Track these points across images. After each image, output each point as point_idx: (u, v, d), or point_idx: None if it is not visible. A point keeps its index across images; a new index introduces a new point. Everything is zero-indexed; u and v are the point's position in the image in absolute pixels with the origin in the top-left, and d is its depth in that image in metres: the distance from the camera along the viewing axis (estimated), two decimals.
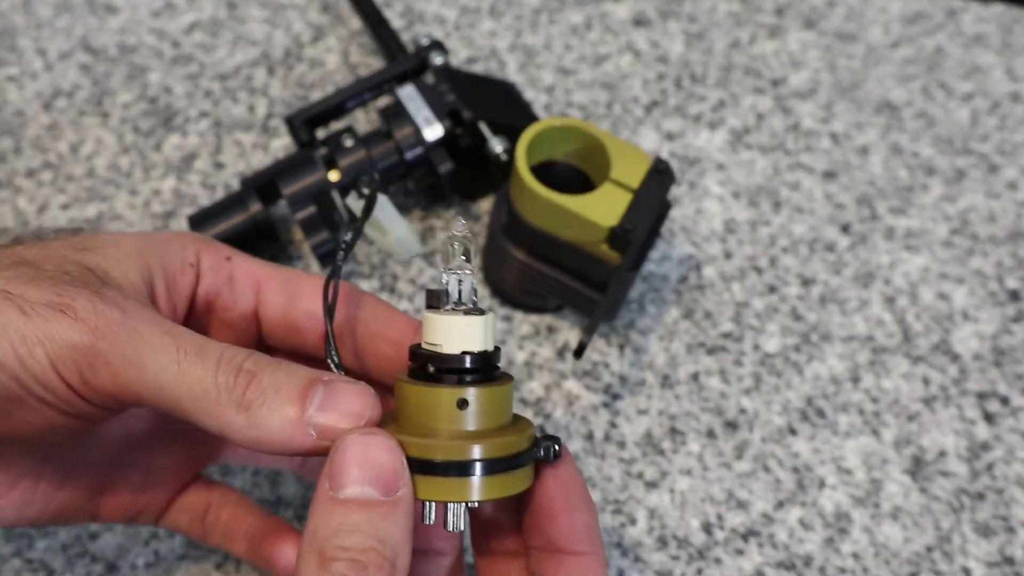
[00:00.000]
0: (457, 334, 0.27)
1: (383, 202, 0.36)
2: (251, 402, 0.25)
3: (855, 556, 0.40)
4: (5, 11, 0.57)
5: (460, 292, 0.28)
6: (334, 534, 0.23)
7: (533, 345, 0.45)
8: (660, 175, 0.39)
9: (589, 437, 0.43)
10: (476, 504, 0.26)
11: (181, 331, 0.26)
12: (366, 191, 0.33)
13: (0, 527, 0.30)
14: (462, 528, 0.26)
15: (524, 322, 0.46)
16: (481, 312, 0.28)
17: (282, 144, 0.52)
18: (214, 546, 0.35)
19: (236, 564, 0.39)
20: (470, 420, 0.26)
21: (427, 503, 0.26)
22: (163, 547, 0.39)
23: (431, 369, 0.27)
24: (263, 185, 0.44)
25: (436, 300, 0.28)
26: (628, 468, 0.42)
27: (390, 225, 0.36)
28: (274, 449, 0.25)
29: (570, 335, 0.46)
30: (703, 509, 0.41)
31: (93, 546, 0.39)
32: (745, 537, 0.40)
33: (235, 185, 0.50)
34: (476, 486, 0.26)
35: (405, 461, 0.25)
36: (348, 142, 0.45)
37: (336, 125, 0.49)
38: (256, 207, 0.44)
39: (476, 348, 0.27)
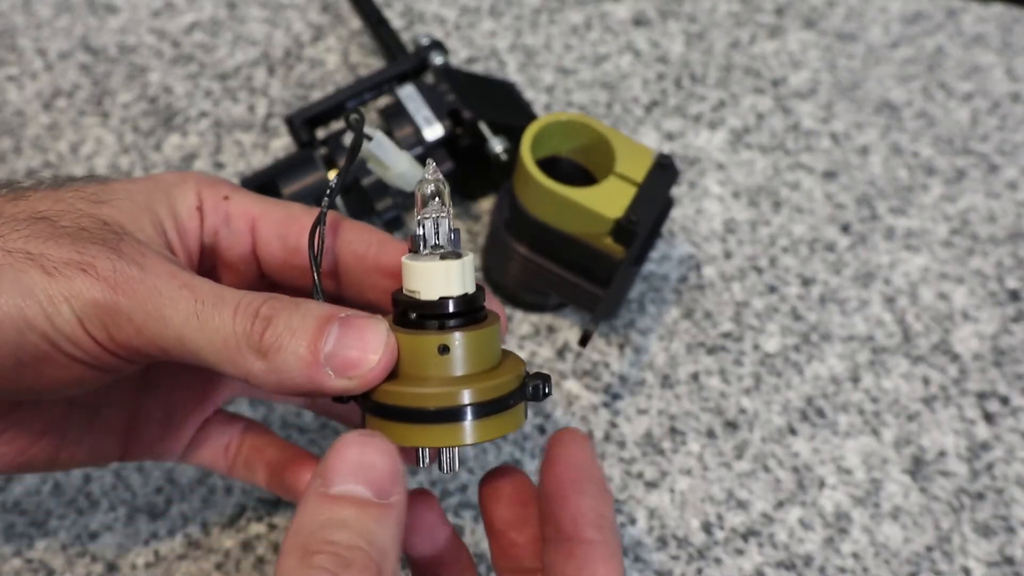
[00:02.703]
0: (434, 280, 0.27)
1: (380, 139, 0.36)
2: (269, 347, 0.25)
3: (855, 556, 0.40)
4: (5, 11, 0.57)
5: (437, 235, 0.28)
6: (321, 527, 0.23)
7: (533, 345, 0.45)
8: (664, 169, 0.39)
9: (589, 437, 0.43)
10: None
11: (198, 282, 0.26)
12: (350, 131, 0.33)
13: (34, 473, 0.32)
14: (456, 469, 0.27)
15: (524, 322, 0.46)
16: (458, 255, 0.27)
17: (282, 144, 0.52)
18: (238, 479, 0.36)
19: (236, 564, 0.39)
20: (456, 365, 0.26)
21: (420, 448, 0.27)
22: (163, 547, 0.39)
23: (412, 316, 0.27)
24: (263, 185, 0.44)
25: (416, 245, 0.28)
26: (628, 468, 0.42)
27: (390, 162, 0.36)
28: (297, 391, 0.26)
29: (570, 335, 0.46)
30: (703, 509, 0.41)
31: (93, 546, 0.39)
32: (745, 537, 0.40)
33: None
34: (468, 430, 0.26)
35: (402, 466, 0.25)
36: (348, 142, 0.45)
37: (336, 125, 0.49)
38: None
39: (455, 292, 0.27)
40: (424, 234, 0.28)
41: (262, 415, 0.43)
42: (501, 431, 0.27)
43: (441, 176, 0.28)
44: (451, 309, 0.27)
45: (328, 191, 0.30)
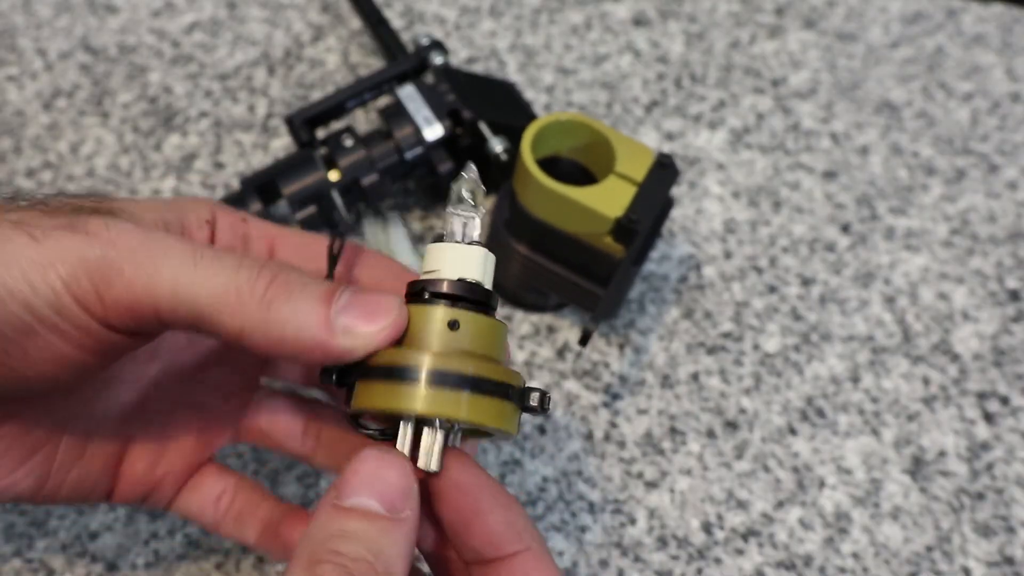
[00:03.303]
0: (456, 259, 0.27)
1: (396, 225, 0.36)
2: (274, 298, 0.24)
3: (855, 556, 0.40)
4: (5, 11, 0.57)
5: (464, 235, 0.27)
6: (330, 538, 0.23)
7: (533, 345, 0.45)
8: (664, 169, 0.39)
9: (589, 437, 0.43)
10: (457, 440, 0.25)
11: (198, 242, 0.25)
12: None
13: (19, 502, 0.29)
14: (435, 468, 0.25)
15: (524, 322, 0.46)
16: (483, 246, 0.27)
17: (282, 144, 0.52)
18: (224, 535, 0.34)
19: (236, 564, 0.39)
20: (463, 342, 0.26)
21: (403, 428, 0.25)
22: (163, 547, 0.39)
23: (426, 295, 0.26)
24: (263, 185, 0.44)
25: (440, 239, 0.28)
26: (628, 468, 0.42)
27: (399, 251, 0.36)
28: (297, 349, 0.24)
29: (570, 335, 0.46)
30: (703, 509, 0.41)
31: (93, 546, 0.39)
32: (745, 537, 0.40)
33: (235, 185, 0.50)
34: (465, 403, 0.24)
35: (416, 486, 0.24)
36: (348, 142, 0.45)
37: (336, 125, 0.49)
38: (256, 207, 0.44)
39: (474, 276, 0.26)
40: (452, 230, 0.27)
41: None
42: (496, 421, 0.25)
43: (478, 178, 0.28)
44: (468, 292, 0.26)
45: (342, 221, 0.31)
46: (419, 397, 0.24)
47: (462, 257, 0.27)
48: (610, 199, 0.38)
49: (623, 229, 0.38)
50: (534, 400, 0.27)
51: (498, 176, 0.45)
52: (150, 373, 0.32)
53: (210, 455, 0.34)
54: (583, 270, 0.41)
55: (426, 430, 0.26)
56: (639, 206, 0.38)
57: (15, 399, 0.28)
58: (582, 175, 0.42)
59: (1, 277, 0.24)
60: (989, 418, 0.44)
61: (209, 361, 0.34)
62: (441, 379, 0.25)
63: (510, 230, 0.42)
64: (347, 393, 0.27)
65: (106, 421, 0.32)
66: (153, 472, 0.33)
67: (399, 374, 0.25)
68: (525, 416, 0.43)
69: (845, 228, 0.50)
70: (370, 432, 0.27)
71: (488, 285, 0.27)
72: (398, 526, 0.24)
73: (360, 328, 0.24)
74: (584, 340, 0.38)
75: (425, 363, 0.25)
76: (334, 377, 0.26)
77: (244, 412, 0.35)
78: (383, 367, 0.25)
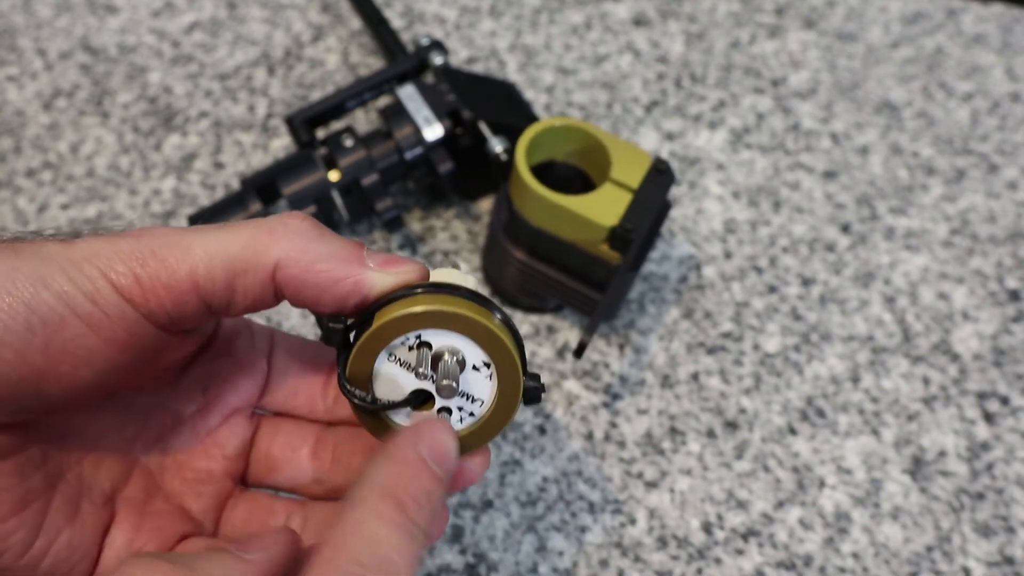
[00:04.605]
0: (454, 277, 0.29)
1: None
2: (308, 230, 0.26)
3: (855, 556, 0.40)
4: (5, 11, 0.57)
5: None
6: (416, 499, 0.24)
7: (533, 345, 0.45)
8: (660, 175, 0.39)
9: (589, 437, 0.43)
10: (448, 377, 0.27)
11: None
12: None
13: (6, 565, 0.27)
14: (453, 381, 0.27)
15: (524, 322, 0.46)
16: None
17: (282, 144, 0.52)
18: None
19: None
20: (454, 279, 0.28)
21: (421, 355, 0.27)
22: None
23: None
24: (263, 185, 0.44)
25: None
26: (628, 468, 0.42)
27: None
28: (330, 279, 0.26)
29: (570, 335, 0.46)
30: (703, 509, 0.41)
31: None
32: (745, 537, 0.40)
33: (235, 185, 0.50)
34: (491, 318, 0.27)
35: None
36: (348, 142, 0.45)
37: (336, 125, 0.49)
38: (256, 207, 0.44)
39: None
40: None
41: None
42: (482, 316, 0.27)
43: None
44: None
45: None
46: (435, 300, 0.27)
47: (459, 274, 0.29)
48: (605, 207, 0.38)
49: (618, 238, 0.38)
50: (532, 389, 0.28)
51: (498, 176, 0.45)
52: (136, 450, 0.31)
53: (196, 528, 0.32)
54: (580, 276, 0.41)
55: (441, 365, 0.27)
56: (634, 214, 0.38)
57: (19, 423, 0.27)
58: (579, 179, 0.42)
59: (37, 269, 0.24)
60: (989, 418, 0.44)
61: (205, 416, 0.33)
62: (437, 288, 0.27)
63: (508, 235, 0.42)
64: (342, 366, 0.28)
65: (96, 484, 0.30)
66: (132, 546, 0.30)
67: (406, 291, 0.27)
68: (526, 416, 0.43)
69: (845, 228, 0.50)
70: (358, 399, 0.28)
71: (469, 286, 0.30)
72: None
73: (392, 267, 0.27)
74: (579, 351, 0.38)
75: (445, 279, 0.28)
76: (339, 327, 0.28)
77: (243, 463, 0.33)
78: (394, 294, 0.28)
